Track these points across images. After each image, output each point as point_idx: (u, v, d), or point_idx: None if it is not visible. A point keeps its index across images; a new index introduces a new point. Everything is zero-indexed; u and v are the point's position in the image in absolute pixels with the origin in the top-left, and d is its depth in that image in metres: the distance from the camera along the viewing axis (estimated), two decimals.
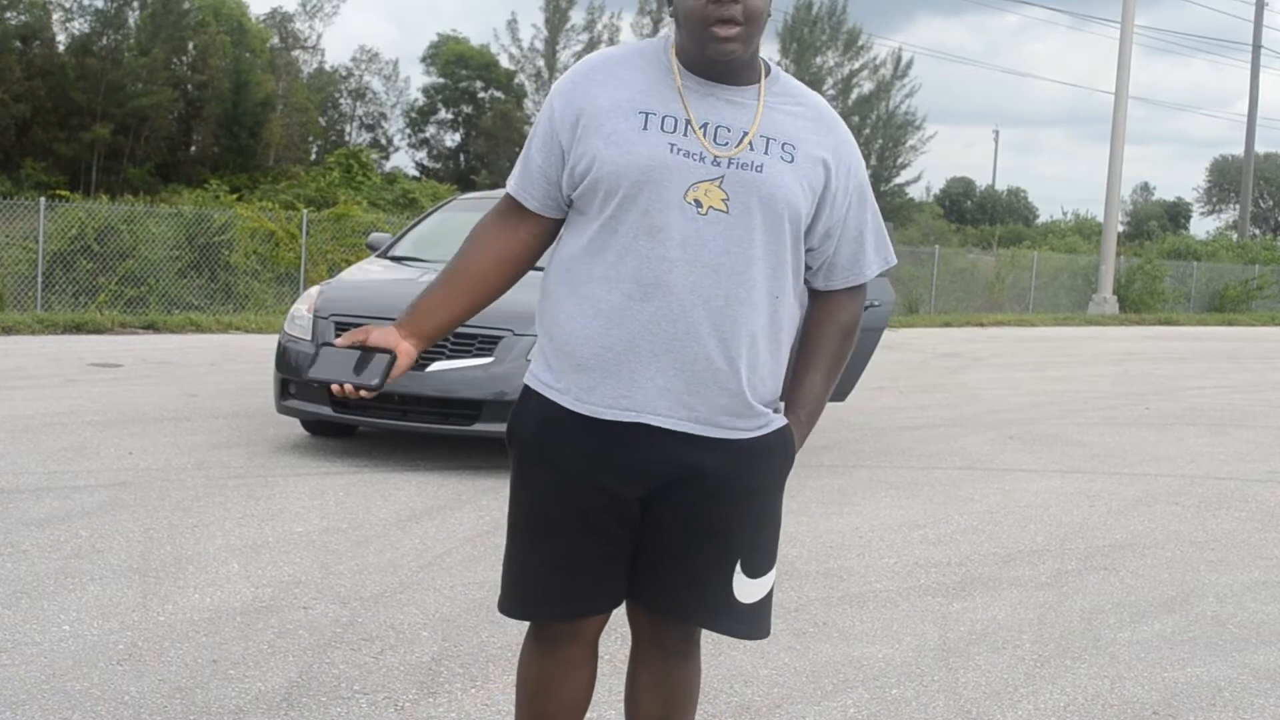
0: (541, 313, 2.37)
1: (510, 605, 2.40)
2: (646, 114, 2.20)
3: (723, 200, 2.19)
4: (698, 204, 2.18)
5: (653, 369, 2.22)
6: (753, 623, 2.41)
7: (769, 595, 2.42)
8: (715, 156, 2.19)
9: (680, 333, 2.20)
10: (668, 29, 2.36)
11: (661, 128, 2.19)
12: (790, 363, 2.42)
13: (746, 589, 2.37)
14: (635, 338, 2.21)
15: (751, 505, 2.34)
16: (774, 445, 2.35)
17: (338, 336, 6.74)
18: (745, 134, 2.21)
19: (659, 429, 2.25)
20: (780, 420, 2.37)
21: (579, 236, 2.28)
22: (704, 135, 2.19)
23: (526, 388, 2.46)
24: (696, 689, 2.55)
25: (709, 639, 4.08)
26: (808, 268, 2.36)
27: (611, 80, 2.24)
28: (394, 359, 2.32)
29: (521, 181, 2.32)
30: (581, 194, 2.25)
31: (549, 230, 2.37)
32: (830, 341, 2.42)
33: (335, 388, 2.29)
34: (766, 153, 2.21)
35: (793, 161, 2.23)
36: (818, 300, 2.43)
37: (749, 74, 2.24)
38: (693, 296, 2.19)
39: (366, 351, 2.31)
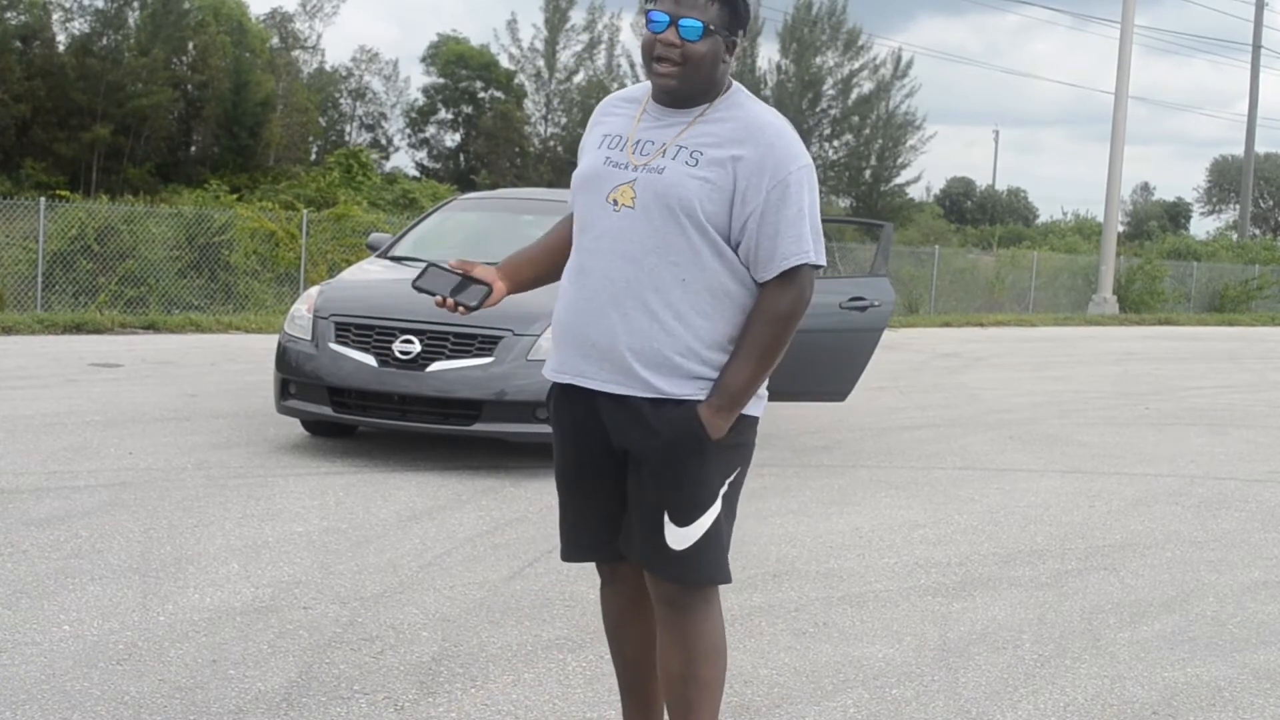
0: None
1: (563, 551, 2.92)
2: (605, 135, 2.77)
3: (632, 199, 2.66)
4: (615, 203, 2.68)
5: (580, 340, 2.72)
6: (686, 568, 2.72)
7: (705, 543, 2.71)
8: (633, 164, 2.68)
9: (596, 309, 2.69)
10: None
11: (608, 145, 2.74)
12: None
13: (677, 536, 2.70)
14: (571, 314, 2.73)
15: (669, 460, 2.68)
16: (678, 411, 2.67)
17: (337, 338, 6.78)
18: (664, 145, 2.67)
19: (590, 390, 2.72)
20: (684, 395, 2.67)
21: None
22: (633, 149, 2.70)
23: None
24: (712, 644, 2.78)
25: None
26: (744, 264, 2.68)
27: (611, 113, 2.81)
28: (490, 292, 2.80)
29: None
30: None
31: None
32: (755, 329, 2.67)
33: (437, 300, 2.78)
34: (674, 159, 2.65)
35: (696, 165, 2.63)
36: (757, 293, 2.71)
37: (699, 100, 2.69)
38: (603, 279, 2.67)
39: (467, 279, 2.79)
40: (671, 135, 2.67)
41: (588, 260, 2.69)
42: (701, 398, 2.67)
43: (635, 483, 2.73)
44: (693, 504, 2.70)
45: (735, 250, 2.66)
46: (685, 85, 2.64)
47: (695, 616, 2.75)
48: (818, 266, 2.67)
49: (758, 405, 2.77)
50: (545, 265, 2.92)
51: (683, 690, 2.76)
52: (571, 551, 2.90)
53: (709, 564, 2.73)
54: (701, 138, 2.65)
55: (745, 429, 2.76)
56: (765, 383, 2.75)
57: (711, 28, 2.60)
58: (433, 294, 2.78)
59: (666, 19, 2.60)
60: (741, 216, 2.63)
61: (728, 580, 2.78)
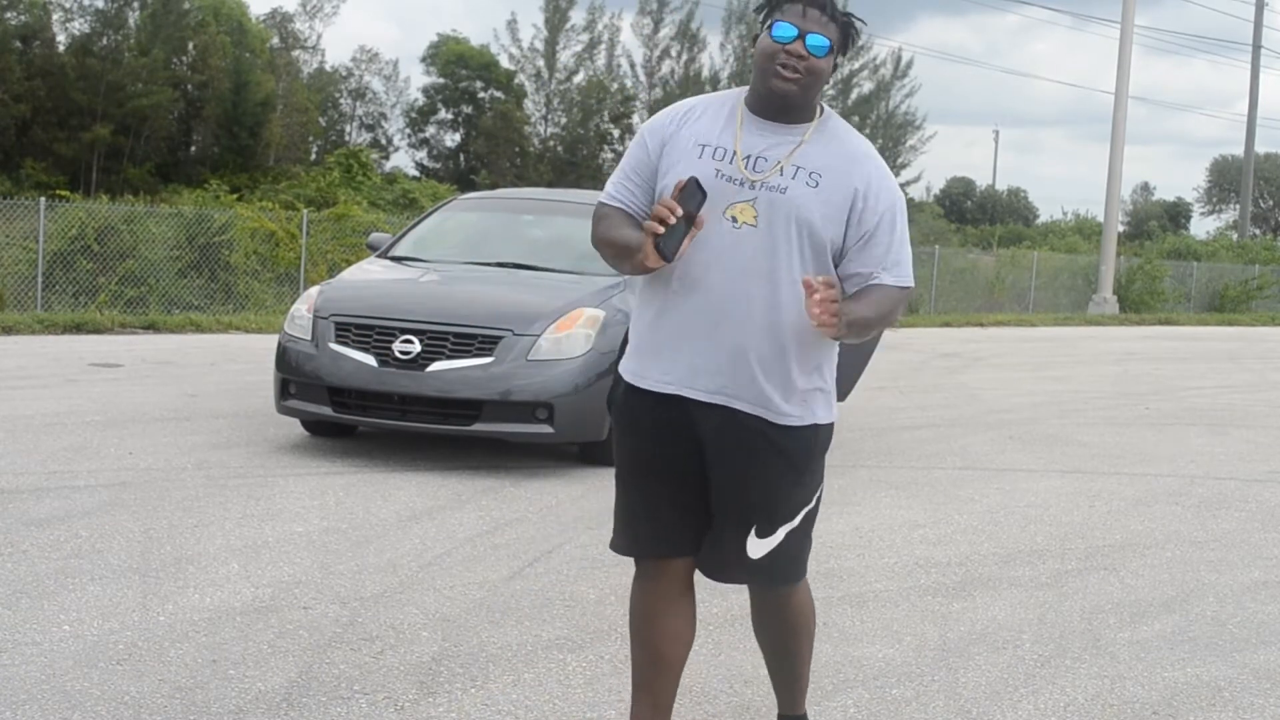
0: (632, 311, 3.02)
1: (617, 544, 3.00)
2: (703, 145, 2.80)
3: (754, 217, 2.74)
4: (734, 220, 2.74)
5: (688, 351, 2.79)
6: (765, 573, 2.92)
7: (782, 550, 2.89)
8: (750, 181, 2.75)
9: (713, 324, 2.76)
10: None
11: (713, 157, 2.78)
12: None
13: (756, 546, 2.87)
14: (680, 325, 2.79)
15: (771, 478, 2.83)
16: (794, 432, 2.82)
17: (337, 338, 6.78)
18: (778, 163, 2.76)
19: (692, 400, 2.80)
20: (800, 419, 2.82)
21: None
22: (745, 164, 2.76)
23: (618, 373, 2.98)
24: (803, 619, 3.05)
25: (710, 641, 4.08)
26: (842, 278, 2.80)
27: (689, 119, 2.86)
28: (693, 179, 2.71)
29: (622, 193, 2.88)
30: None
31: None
32: (876, 294, 2.80)
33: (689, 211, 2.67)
34: (794, 179, 2.75)
35: (817, 187, 2.75)
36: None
37: (801, 115, 2.81)
38: (724, 295, 2.75)
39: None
40: (784, 153, 2.77)
41: (703, 274, 2.75)
42: (808, 422, 2.84)
43: (726, 496, 2.86)
44: (779, 519, 2.88)
45: (836, 268, 2.81)
46: (801, 96, 2.76)
47: (786, 598, 3.00)
48: (907, 288, 2.88)
49: (834, 410, 2.94)
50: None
51: (777, 657, 3.09)
52: (630, 545, 2.97)
53: (786, 569, 2.94)
54: (816, 159, 2.78)
55: (827, 441, 2.95)
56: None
57: (833, 46, 2.76)
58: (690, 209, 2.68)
59: (795, 31, 2.72)
60: (854, 239, 2.79)
61: (801, 578, 3.02)
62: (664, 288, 2.80)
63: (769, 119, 2.80)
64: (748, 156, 2.77)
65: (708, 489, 2.87)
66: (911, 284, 2.87)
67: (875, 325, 2.83)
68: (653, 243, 2.65)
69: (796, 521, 2.91)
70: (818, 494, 2.96)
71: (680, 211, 2.63)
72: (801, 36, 2.71)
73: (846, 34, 2.80)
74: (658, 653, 2.97)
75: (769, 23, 2.76)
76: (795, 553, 2.94)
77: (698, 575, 3.00)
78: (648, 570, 2.97)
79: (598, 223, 2.91)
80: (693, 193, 2.67)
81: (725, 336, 2.75)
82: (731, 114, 2.83)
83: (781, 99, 2.76)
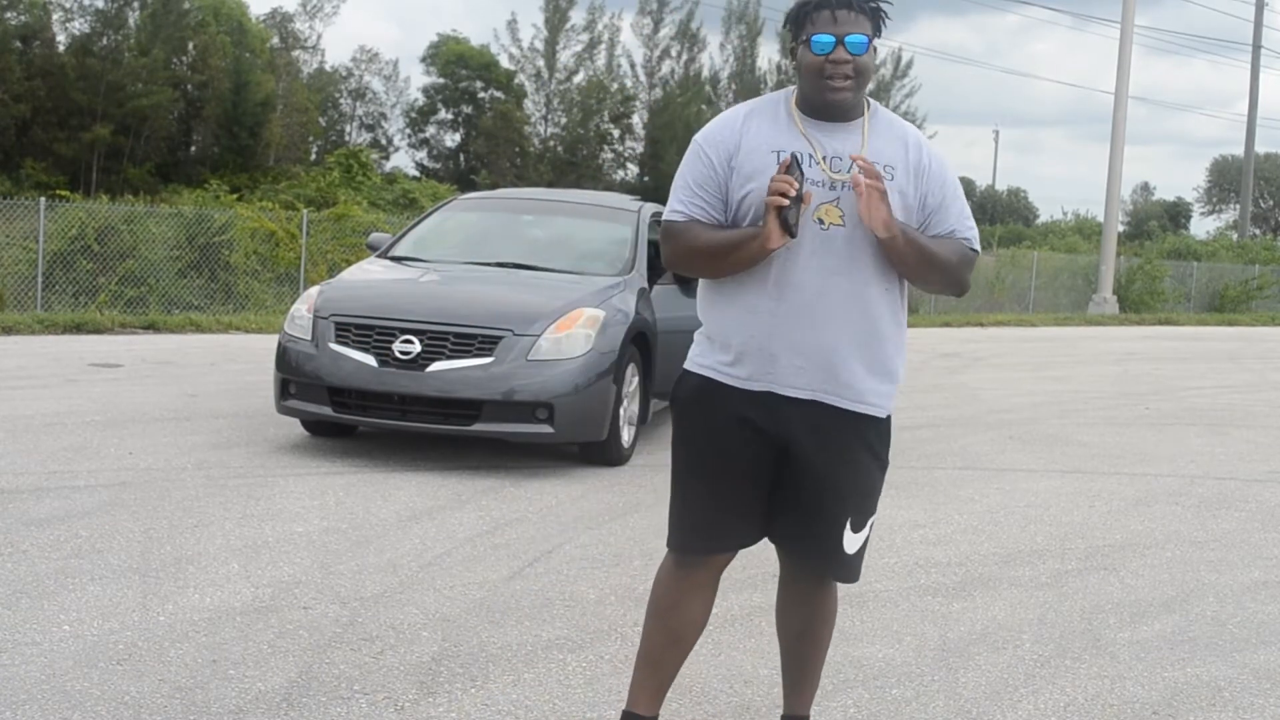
0: (703, 310, 3.00)
1: (680, 540, 3.01)
2: (777, 151, 2.84)
3: (840, 217, 2.83)
4: (821, 221, 2.82)
5: (783, 349, 2.85)
6: (852, 568, 3.05)
7: (866, 544, 3.05)
8: (832, 181, 2.82)
9: (806, 322, 2.84)
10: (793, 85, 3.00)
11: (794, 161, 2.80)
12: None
13: (851, 541, 2.99)
14: (776, 328, 2.85)
15: (861, 472, 2.94)
16: (878, 424, 2.94)
17: (337, 338, 6.78)
18: (852, 160, 2.81)
19: (788, 398, 2.87)
20: (883, 409, 2.94)
21: None
22: (825, 164, 2.83)
23: (685, 370, 3.02)
24: (833, 609, 3.17)
25: (710, 641, 4.08)
26: None
27: (748, 128, 2.90)
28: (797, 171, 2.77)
29: (692, 205, 2.90)
30: (746, 219, 2.85)
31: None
32: (944, 243, 2.90)
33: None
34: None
35: (893, 179, 2.84)
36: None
37: (855, 112, 2.89)
38: (818, 295, 2.82)
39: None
40: (854, 149, 2.85)
41: (797, 275, 2.83)
42: (889, 413, 2.96)
43: (818, 491, 2.92)
44: (869, 510, 3.02)
45: None
46: (856, 96, 2.86)
47: (825, 591, 3.14)
48: (975, 253, 2.98)
49: (890, 405, 3.01)
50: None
51: (801, 647, 3.16)
52: (696, 541, 3.00)
53: (862, 561, 3.09)
54: (884, 152, 2.87)
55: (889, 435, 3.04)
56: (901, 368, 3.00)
57: (872, 39, 2.83)
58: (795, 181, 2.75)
59: (832, 39, 2.79)
60: (923, 216, 2.92)
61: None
62: (757, 287, 2.85)
63: (826, 119, 2.87)
64: (825, 157, 2.84)
65: (779, 485, 2.94)
66: (978, 249, 2.97)
67: (933, 256, 2.88)
68: (777, 220, 2.72)
69: (877, 512, 3.07)
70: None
71: (798, 185, 2.71)
72: (840, 41, 2.78)
73: (877, 19, 2.86)
74: (676, 635, 3.06)
75: (805, 38, 2.81)
76: (868, 543, 3.09)
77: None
78: (687, 563, 3.03)
79: (676, 238, 2.91)
80: (798, 169, 2.75)
81: (820, 334, 2.84)
82: (787, 117, 2.90)
83: (841, 106, 2.85)
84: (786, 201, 2.70)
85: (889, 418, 2.98)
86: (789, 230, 2.73)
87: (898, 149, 2.89)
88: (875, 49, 2.86)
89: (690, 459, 2.97)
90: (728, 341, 2.90)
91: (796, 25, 2.84)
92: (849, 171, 2.80)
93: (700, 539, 2.99)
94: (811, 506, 2.93)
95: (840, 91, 2.80)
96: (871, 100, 2.94)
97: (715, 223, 2.89)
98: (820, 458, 2.88)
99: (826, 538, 2.96)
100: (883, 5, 2.87)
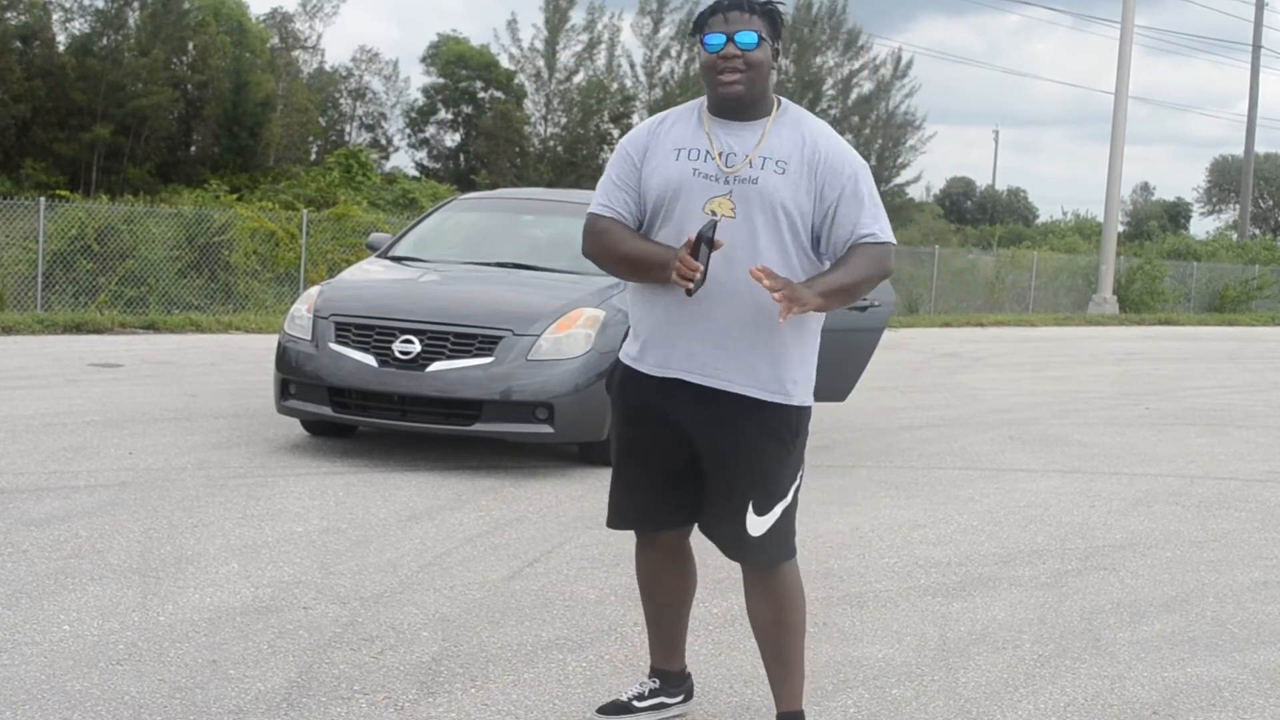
0: (627, 302, 3.25)
1: (610, 520, 3.27)
2: (678, 149, 3.06)
3: (731, 209, 2.99)
4: (714, 214, 2.97)
5: (683, 337, 3.02)
6: (763, 550, 3.13)
7: (778, 528, 3.12)
8: (725, 176, 2.99)
9: (703, 311, 2.99)
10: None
11: (689, 157, 3.04)
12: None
13: (756, 524, 3.10)
14: (672, 315, 3.03)
15: (761, 456, 3.04)
16: (779, 411, 3.04)
17: (337, 338, 6.78)
18: (747, 156, 3.00)
19: (688, 384, 3.04)
20: (787, 397, 3.04)
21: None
22: (720, 159, 3.01)
23: (617, 358, 3.24)
24: (794, 596, 3.21)
25: (710, 641, 4.08)
26: (819, 253, 3.07)
27: (663, 129, 3.13)
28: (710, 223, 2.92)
29: (608, 201, 3.12)
30: (648, 212, 3.09)
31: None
32: (856, 255, 3.00)
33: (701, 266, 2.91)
34: (762, 169, 2.99)
35: (784, 173, 2.99)
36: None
37: (759, 110, 3.06)
38: (711, 282, 2.91)
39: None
40: (750, 146, 3.02)
41: None
42: (794, 401, 3.07)
43: (721, 475, 3.09)
44: (775, 495, 3.11)
45: (816, 242, 3.07)
46: (750, 91, 3.01)
47: (779, 574, 3.19)
48: (886, 242, 3.05)
49: (811, 396, 3.14)
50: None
51: (774, 637, 3.21)
52: (623, 520, 3.26)
53: (781, 545, 3.17)
54: (780, 148, 3.03)
55: (807, 423, 3.16)
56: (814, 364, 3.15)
57: (762, 36, 3.00)
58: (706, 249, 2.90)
59: (723, 37, 2.99)
60: (822, 210, 3.04)
61: (794, 555, 3.22)
62: (655, 280, 3.03)
63: (731, 119, 3.06)
64: (720, 153, 3.02)
65: (697, 469, 3.11)
66: (891, 239, 3.05)
67: (858, 287, 3.02)
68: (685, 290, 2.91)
69: (789, 498, 3.15)
70: (801, 473, 3.20)
71: (702, 269, 2.87)
72: (730, 39, 2.98)
73: (773, 19, 3.04)
74: (662, 603, 3.35)
75: (701, 39, 3.03)
76: (789, 529, 3.18)
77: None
78: (644, 541, 3.31)
79: (598, 236, 3.12)
80: (703, 243, 2.88)
81: (715, 322, 3.00)
82: (699, 119, 3.10)
83: (735, 100, 3.01)
84: (690, 285, 2.87)
85: (799, 405, 3.09)
86: (687, 291, 2.90)
87: (794, 145, 3.02)
88: (776, 50, 3.04)
89: (618, 443, 3.22)
90: (637, 331, 3.13)
91: (696, 30, 3.06)
92: (741, 164, 2.99)
93: (627, 518, 3.24)
94: (715, 490, 3.11)
95: (731, 85, 2.98)
96: (786, 102, 3.12)
97: (632, 219, 3.10)
98: (719, 442, 3.05)
99: (730, 521, 3.11)
100: (776, 6, 3.05)
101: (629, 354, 3.17)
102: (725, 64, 2.98)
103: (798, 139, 3.03)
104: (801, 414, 3.10)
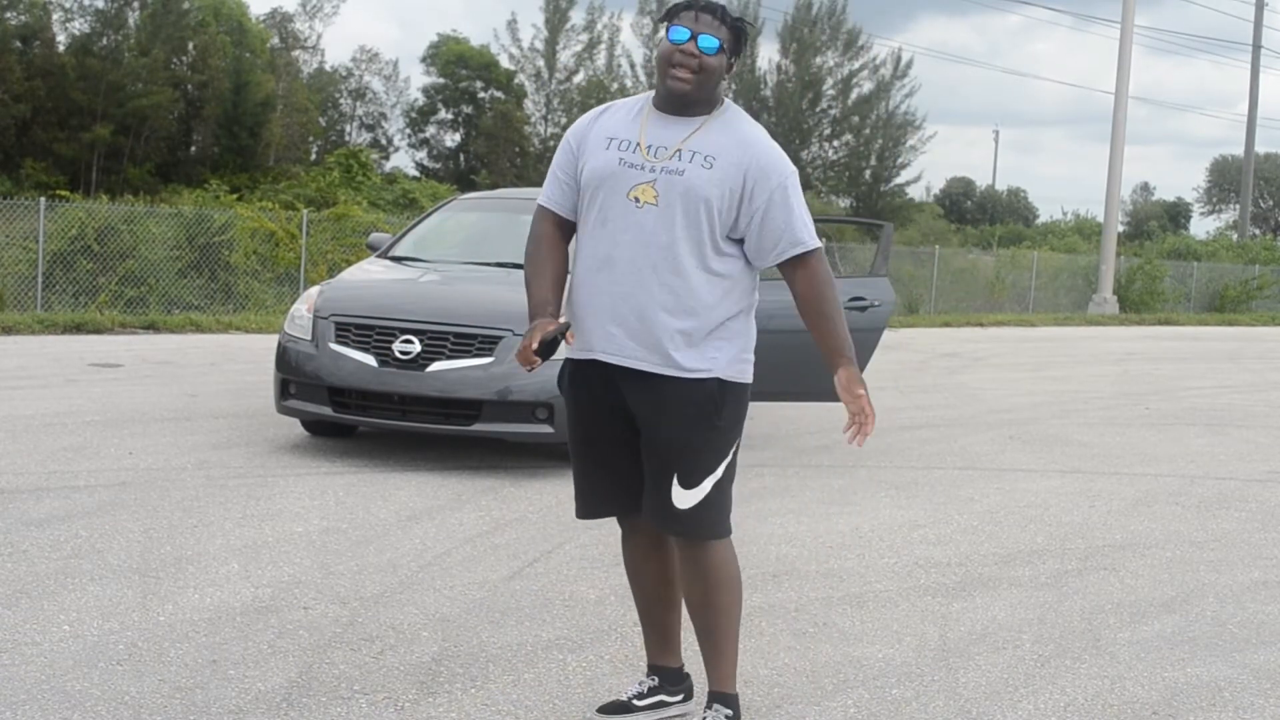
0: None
1: (577, 509, 3.34)
2: (610, 138, 3.15)
3: (655, 197, 3.07)
4: (637, 200, 3.08)
5: (604, 320, 3.11)
6: (690, 524, 3.16)
7: (708, 502, 3.16)
8: (650, 165, 3.08)
9: (622, 293, 3.09)
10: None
11: (618, 148, 3.12)
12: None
13: (682, 497, 3.14)
14: (593, 298, 3.13)
15: (684, 430, 3.11)
16: (701, 386, 3.10)
17: (337, 338, 6.78)
18: (676, 149, 3.09)
19: (611, 365, 3.12)
20: (704, 372, 3.11)
21: (580, 227, 3.22)
22: (647, 152, 3.10)
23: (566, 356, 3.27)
24: (726, 575, 3.22)
25: None
26: (746, 252, 3.14)
27: (602, 119, 3.22)
28: (564, 326, 3.06)
29: (551, 194, 3.25)
30: (580, 197, 3.19)
31: (571, 230, 3.28)
32: (821, 293, 3.12)
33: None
34: (690, 162, 3.08)
35: (711, 168, 3.07)
36: (787, 283, 3.16)
37: (701, 110, 3.13)
38: (630, 267, 3.07)
39: (545, 345, 3.03)
40: (679, 139, 3.09)
41: (614, 251, 3.09)
42: (713, 375, 3.11)
43: (649, 449, 3.16)
44: (700, 469, 3.14)
45: (739, 242, 3.13)
46: (697, 92, 3.07)
47: (708, 552, 3.21)
48: (816, 249, 3.14)
49: (749, 372, 3.19)
50: (560, 282, 3.23)
51: (704, 616, 3.25)
52: (588, 509, 3.32)
53: (711, 521, 3.19)
54: (710, 144, 3.09)
55: (744, 397, 3.20)
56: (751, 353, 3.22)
57: (724, 46, 3.07)
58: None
59: (688, 33, 3.05)
60: (749, 214, 3.09)
61: (727, 534, 3.23)
62: (585, 263, 3.15)
63: (671, 114, 3.13)
64: (649, 145, 3.10)
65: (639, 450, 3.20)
66: (817, 243, 3.13)
67: (842, 319, 3.14)
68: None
69: (720, 473, 3.17)
70: (734, 448, 3.21)
71: (536, 365, 3.02)
72: (694, 38, 3.04)
73: (739, 35, 3.12)
74: (650, 593, 3.39)
75: (666, 28, 3.09)
76: (720, 505, 3.20)
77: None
78: (624, 527, 3.38)
79: (530, 242, 3.25)
80: (548, 348, 3.02)
81: (631, 302, 3.08)
82: (640, 111, 3.18)
83: (680, 97, 3.08)
84: (526, 367, 3.04)
85: (727, 382, 3.13)
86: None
87: (725, 144, 3.09)
88: (731, 64, 3.11)
89: (572, 434, 3.30)
90: (574, 319, 3.19)
91: (665, 18, 3.11)
92: (669, 155, 3.07)
93: (586, 505, 3.32)
94: (645, 462, 3.18)
95: (679, 82, 3.05)
96: (730, 104, 3.18)
97: (569, 210, 3.22)
98: (643, 417, 3.14)
99: (655, 492, 3.16)
100: (746, 26, 3.15)
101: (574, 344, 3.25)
102: (681, 58, 3.04)
103: (730, 138, 3.10)
104: (726, 389, 3.14)
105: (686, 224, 3.06)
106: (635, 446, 3.20)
